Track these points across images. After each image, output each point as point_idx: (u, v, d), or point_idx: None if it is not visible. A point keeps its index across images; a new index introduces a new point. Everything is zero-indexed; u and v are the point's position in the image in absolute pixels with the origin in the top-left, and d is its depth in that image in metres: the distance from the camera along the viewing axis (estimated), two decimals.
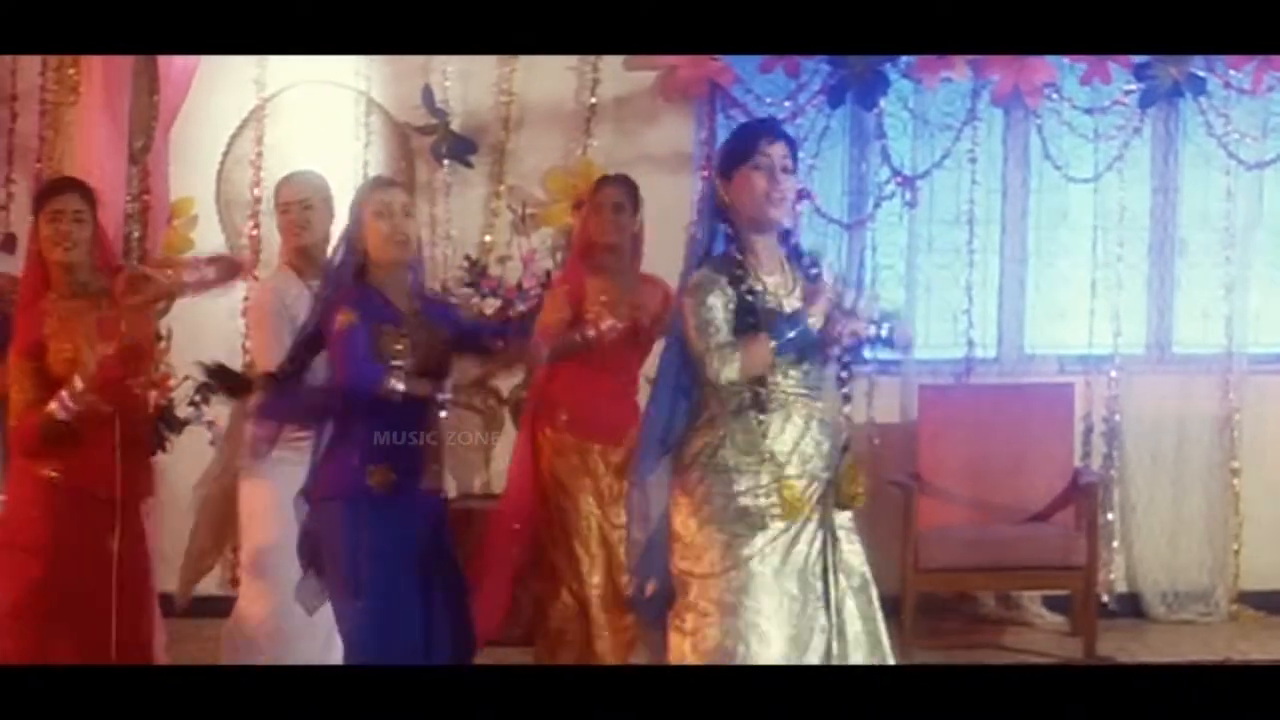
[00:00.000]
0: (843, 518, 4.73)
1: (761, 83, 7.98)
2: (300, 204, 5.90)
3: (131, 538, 5.48)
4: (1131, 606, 8.17)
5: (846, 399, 4.83)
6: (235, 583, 7.37)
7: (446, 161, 7.93)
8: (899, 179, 8.02)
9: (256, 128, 7.95)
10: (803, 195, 7.95)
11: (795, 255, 4.80)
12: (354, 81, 7.95)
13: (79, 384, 5.21)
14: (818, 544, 4.65)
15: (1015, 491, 7.73)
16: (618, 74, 7.91)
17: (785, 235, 4.82)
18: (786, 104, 7.92)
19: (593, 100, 7.96)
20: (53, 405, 5.23)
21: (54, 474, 5.36)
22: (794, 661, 4.57)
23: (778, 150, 4.66)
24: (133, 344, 5.43)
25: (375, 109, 8.00)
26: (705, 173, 7.99)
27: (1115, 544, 8.12)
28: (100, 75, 6.54)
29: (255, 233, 7.90)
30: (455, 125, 7.94)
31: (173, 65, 6.94)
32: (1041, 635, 7.90)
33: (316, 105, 7.96)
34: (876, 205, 8.06)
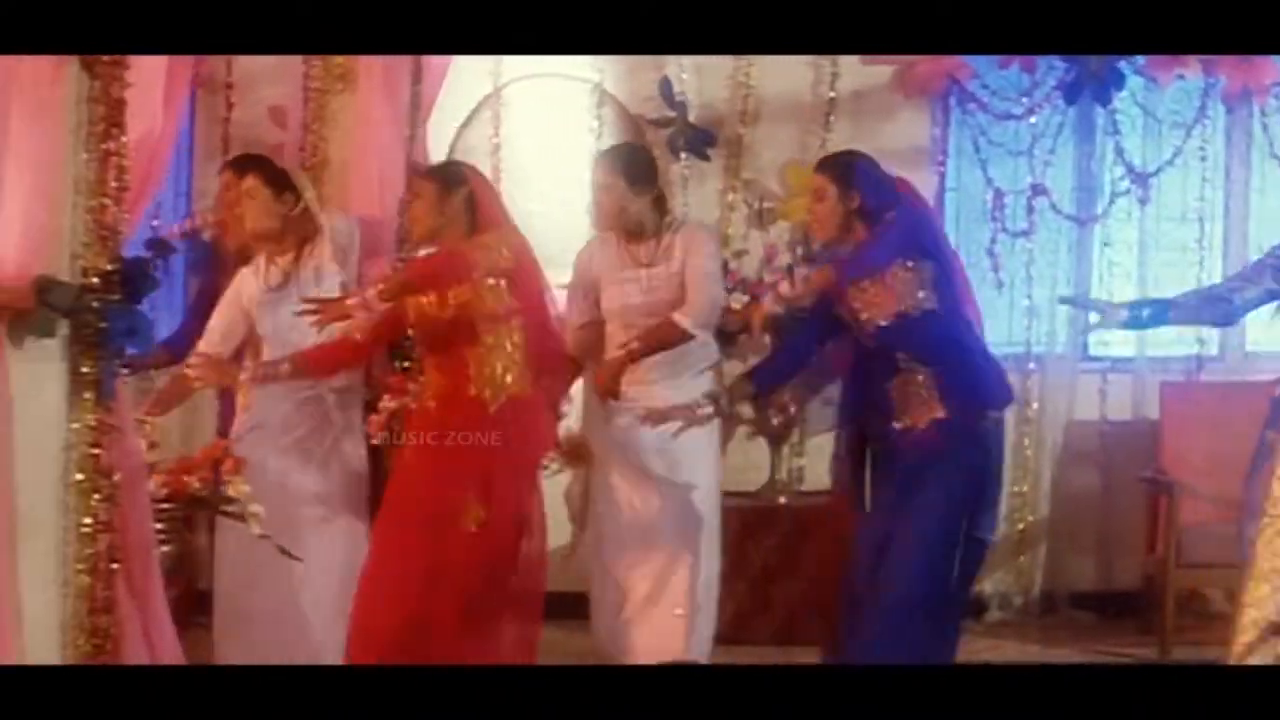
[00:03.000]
0: None
1: (998, 78, 7.84)
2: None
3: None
4: None
5: None
6: None
7: (683, 154, 7.78)
8: (1133, 176, 7.89)
9: (492, 121, 7.80)
10: (1038, 191, 7.85)
11: None
12: (587, 74, 7.79)
13: None
14: None
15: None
16: (855, 68, 7.72)
17: None
18: (1023, 100, 7.80)
19: (831, 94, 7.80)
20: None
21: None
22: None
23: None
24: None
25: (609, 101, 7.84)
26: (942, 168, 7.90)
27: None
28: (382, 63, 6.39)
29: None
30: (691, 117, 7.78)
31: (401, 61, 6.76)
32: None
33: (548, 98, 7.81)
34: (1111, 202, 7.92)
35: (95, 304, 4.50)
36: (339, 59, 6.67)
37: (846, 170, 5.55)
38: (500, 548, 5.41)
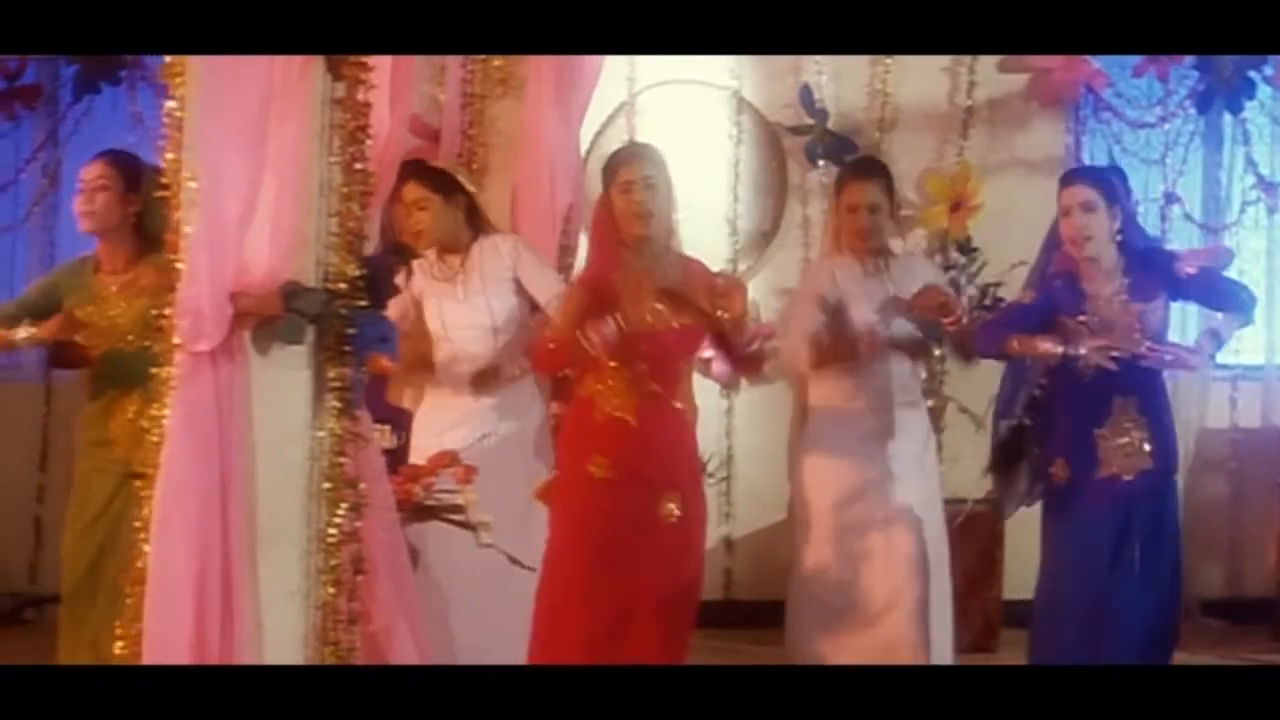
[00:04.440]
0: None
1: (1131, 86, 7.72)
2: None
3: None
4: None
5: None
6: None
7: (820, 162, 7.63)
8: (1262, 185, 7.78)
9: (626, 126, 7.65)
10: (1171, 199, 7.74)
11: None
12: (725, 80, 7.64)
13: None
14: None
15: None
16: (991, 76, 7.60)
17: None
18: (1156, 109, 7.68)
19: (968, 102, 7.65)
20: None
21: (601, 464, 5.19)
22: None
23: None
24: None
25: (746, 108, 7.68)
26: None
27: None
28: (551, 68, 6.22)
29: None
30: (829, 125, 7.63)
31: (586, 59, 6.58)
32: None
33: (684, 104, 7.66)
34: (1242, 210, 7.81)
35: (343, 310, 4.35)
36: (498, 62, 6.54)
37: (1113, 184, 5.49)
38: (689, 547, 5.33)
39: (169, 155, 4.36)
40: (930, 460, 5.93)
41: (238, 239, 4.14)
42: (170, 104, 4.39)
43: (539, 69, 6.26)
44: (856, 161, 6.40)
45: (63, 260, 8.02)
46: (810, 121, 7.59)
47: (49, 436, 7.74)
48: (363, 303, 4.37)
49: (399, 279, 5.45)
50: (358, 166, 4.41)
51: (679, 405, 5.31)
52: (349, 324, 4.34)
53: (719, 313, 5.25)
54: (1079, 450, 5.36)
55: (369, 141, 4.43)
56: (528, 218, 6.20)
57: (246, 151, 4.13)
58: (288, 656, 4.34)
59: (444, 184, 5.83)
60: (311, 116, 4.34)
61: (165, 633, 4.19)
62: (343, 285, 4.34)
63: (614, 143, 7.60)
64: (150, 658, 4.18)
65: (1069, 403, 5.43)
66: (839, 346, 5.68)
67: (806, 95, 7.57)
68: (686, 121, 7.59)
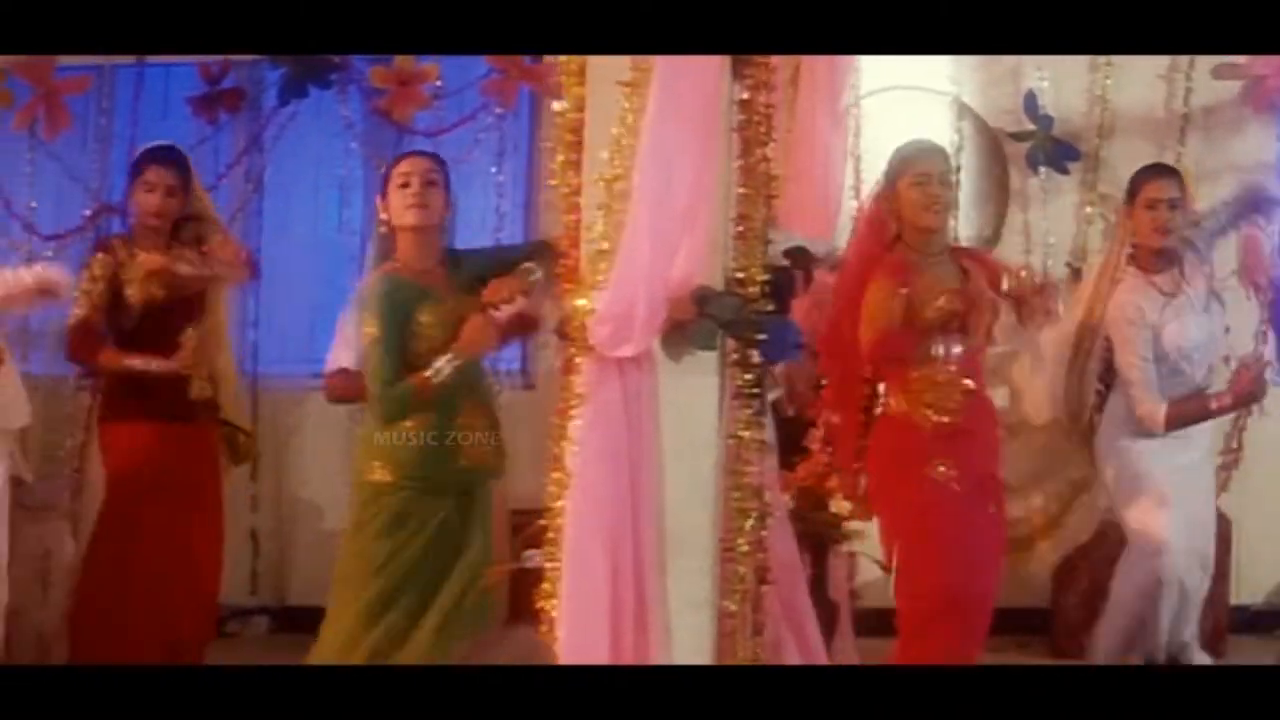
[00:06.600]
0: None
1: None
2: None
3: None
4: None
5: None
6: None
7: (1042, 169, 7.43)
8: None
9: (852, 132, 7.42)
10: None
11: None
12: (945, 86, 7.44)
13: None
14: None
15: None
16: (1206, 83, 7.37)
17: None
18: None
19: (1184, 109, 7.45)
20: None
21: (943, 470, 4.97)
22: None
23: None
24: None
25: (967, 114, 7.47)
26: None
27: None
28: (825, 68, 6.01)
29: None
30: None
31: (842, 60, 6.36)
32: None
33: (906, 110, 7.43)
34: None
35: (753, 316, 4.15)
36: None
37: None
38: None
39: (559, 158, 4.20)
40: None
41: (679, 242, 3.94)
42: (559, 105, 4.22)
43: (812, 70, 6.04)
44: (1148, 165, 6.20)
45: (269, 271, 7.73)
46: (1032, 127, 7.37)
47: (259, 446, 7.45)
48: (769, 307, 4.20)
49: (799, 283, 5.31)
50: (760, 169, 4.24)
51: (988, 393, 5.23)
52: (758, 329, 4.16)
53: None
54: None
55: (771, 144, 4.26)
56: (803, 222, 5.97)
57: (692, 151, 3.93)
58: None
59: None
60: (720, 117, 4.16)
61: (584, 636, 4.01)
62: (751, 289, 4.17)
63: None
64: (569, 660, 3.99)
65: None
66: (1192, 407, 5.62)
67: (1031, 102, 7.35)
68: (908, 127, 7.31)
